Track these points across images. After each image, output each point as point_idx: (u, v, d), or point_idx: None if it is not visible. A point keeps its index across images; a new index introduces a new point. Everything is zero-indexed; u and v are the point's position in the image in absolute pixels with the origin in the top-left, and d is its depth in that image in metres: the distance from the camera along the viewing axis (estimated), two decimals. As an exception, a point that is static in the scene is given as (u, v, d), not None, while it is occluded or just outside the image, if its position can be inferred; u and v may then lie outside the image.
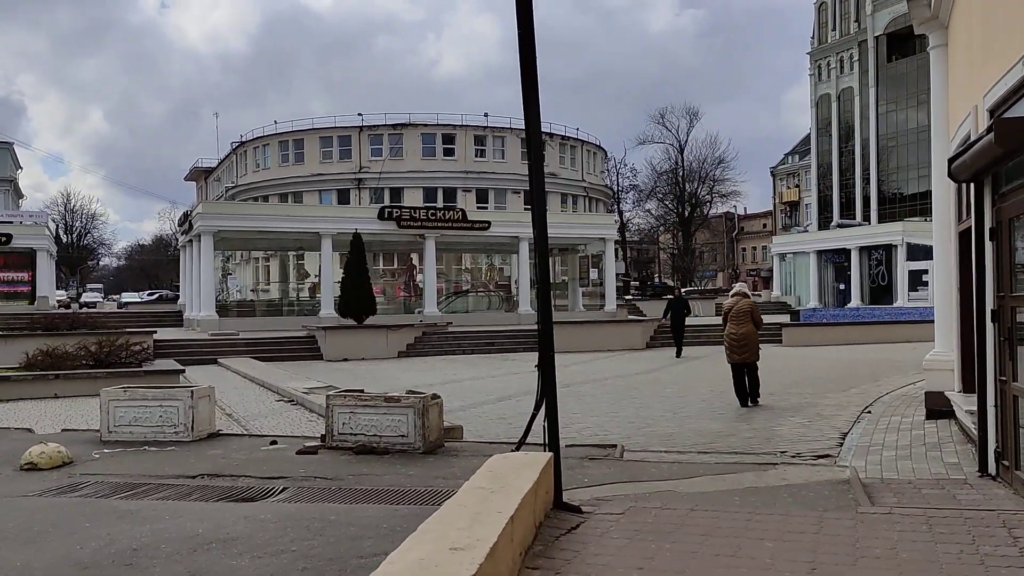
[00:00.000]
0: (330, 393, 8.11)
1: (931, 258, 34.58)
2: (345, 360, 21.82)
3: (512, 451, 6.08)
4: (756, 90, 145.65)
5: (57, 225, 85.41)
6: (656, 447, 8.52)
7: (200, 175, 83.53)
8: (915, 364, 17.50)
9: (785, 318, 29.37)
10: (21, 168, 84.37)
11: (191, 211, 29.76)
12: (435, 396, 8.00)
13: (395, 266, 49.93)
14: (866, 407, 11.16)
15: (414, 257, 37.31)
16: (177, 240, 39.36)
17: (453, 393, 14.01)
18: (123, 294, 69.11)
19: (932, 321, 27.44)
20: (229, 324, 27.83)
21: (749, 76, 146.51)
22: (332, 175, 60.38)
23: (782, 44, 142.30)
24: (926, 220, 47.74)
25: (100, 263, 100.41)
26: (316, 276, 32.62)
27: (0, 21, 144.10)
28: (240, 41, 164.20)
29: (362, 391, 8.52)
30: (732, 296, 11.97)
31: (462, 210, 31.59)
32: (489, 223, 30.82)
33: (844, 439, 8.90)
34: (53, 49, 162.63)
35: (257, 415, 11.66)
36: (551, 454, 5.64)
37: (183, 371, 15.34)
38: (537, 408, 6.07)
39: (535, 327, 20.22)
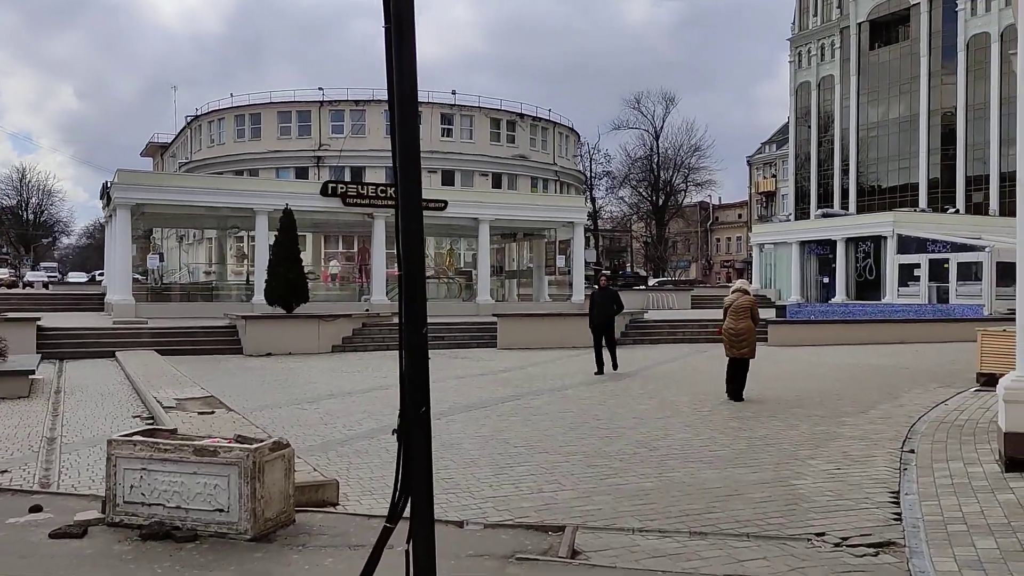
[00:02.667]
0: (113, 438, 5.13)
1: (924, 251, 31.99)
2: (268, 355, 18.79)
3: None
4: (730, 83, 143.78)
5: (16, 202, 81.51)
6: (626, 520, 5.65)
7: (156, 151, 79.80)
8: (930, 374, 14.94)
9: (769, 313, 26.69)
10: (-31, 144, 79.90)
11: (109, 182, 26.33)
12: (278, 445, 5.05)
13: (354, 249, 46.84)
14: (904, 442, 8.42)
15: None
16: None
17: (371, 406, 11.08)
18: (70, 274, 66.58)
19: (930, 321, 25.05)
20: (148, 310, 24.60)
21: (724, 69, 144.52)
22: (290, 152, 57.07)
23: (757, 38, 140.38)
24: (915, 211, 45.56)
25: (58, 241, 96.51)
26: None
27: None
28: (214, 21, 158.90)
29: (173, 431, 5.55)
30: (732, 292, 11.83)
31: (415, 187, 28.49)
32: (446, 203, 27.79)
33: (898, 502, 6.14)
34: (25, 24, 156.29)
35: (86, 441, 8.61)
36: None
37: (32, 372, 12.22)
38: (393, 518, 3.16)
39: (493, 320, 16.71)
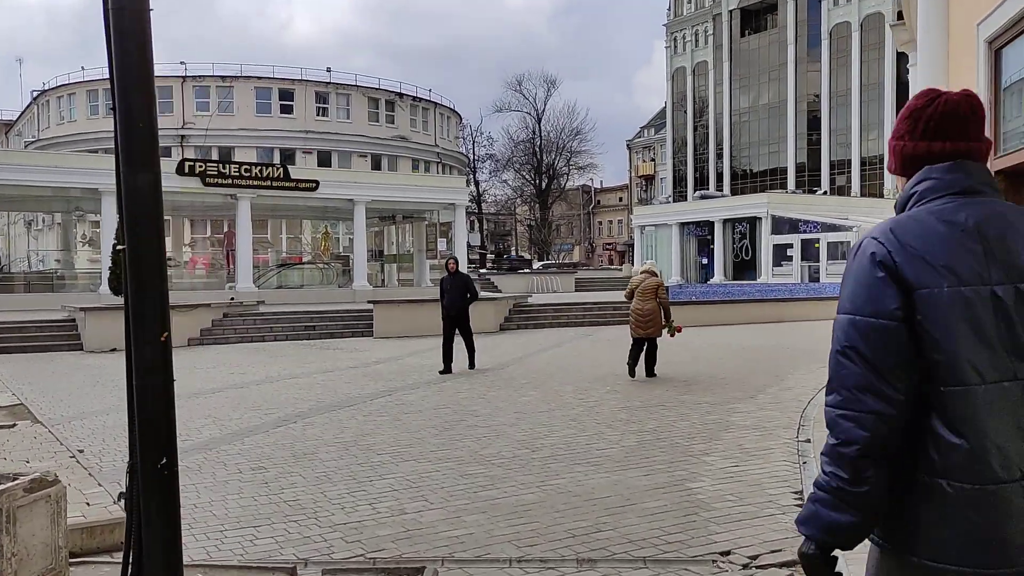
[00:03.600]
0: None
1: (796, 231, 32.70)
2: (113, 351, 16.79)
3: None
4: (610, 68, 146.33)
5: None
6: (502, 548, 4.72)
7: (0, 128, 72.64)
8: (810, 353, 14.86)
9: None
10: None
11: (-74, 159, 23.13)
12: (40, 483, 3.80)
13: (222, 234, 44.06)
14: (798, 430, 7.94)
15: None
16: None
17: (218, 410, 9.71)
18: None
19: (804, 299, 25.46)
20: (-24, 303, 21.84)
21: (604, 54, 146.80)
22: (150, 130, 52.99)
23: (635, 24, 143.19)
24: (786, 192, 47.17)
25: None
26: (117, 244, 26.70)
27: None
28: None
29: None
30: (640, 273, 12.18)
31: (284, 167, 26.57)
32: (317, 183, 26.05)
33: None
34: None
35: None
36: None
37: None
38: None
39: (368, 307, 15.12)
